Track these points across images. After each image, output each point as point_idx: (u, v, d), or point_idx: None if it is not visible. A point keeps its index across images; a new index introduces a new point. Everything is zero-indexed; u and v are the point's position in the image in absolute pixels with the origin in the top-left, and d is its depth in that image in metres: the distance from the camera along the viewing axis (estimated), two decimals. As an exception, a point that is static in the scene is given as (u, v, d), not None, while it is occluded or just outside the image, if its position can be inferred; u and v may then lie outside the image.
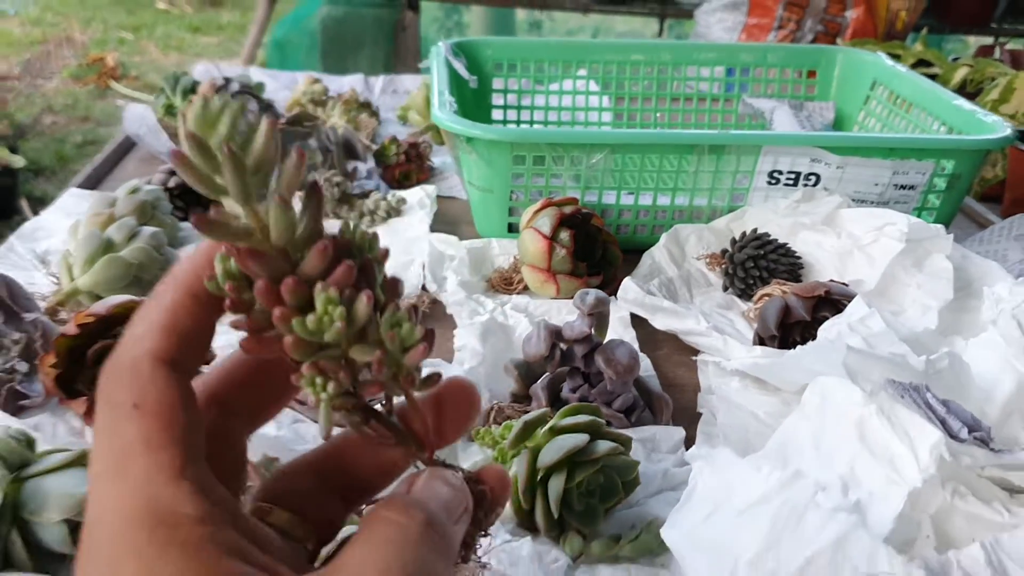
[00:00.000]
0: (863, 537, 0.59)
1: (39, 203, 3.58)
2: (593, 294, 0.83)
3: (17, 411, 0.80)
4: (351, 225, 0.33)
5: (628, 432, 0.77)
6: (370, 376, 0.32)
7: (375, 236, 0.33)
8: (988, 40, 2.94)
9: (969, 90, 1.71)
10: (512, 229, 1.14)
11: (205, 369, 0.35)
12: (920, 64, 1.83)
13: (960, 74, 1.76)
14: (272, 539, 0.33)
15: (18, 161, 3.43)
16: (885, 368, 0.74)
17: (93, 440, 0.31)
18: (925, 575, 0.59)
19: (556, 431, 0.71)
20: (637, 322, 0.99)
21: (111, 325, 0.79)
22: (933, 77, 1.76)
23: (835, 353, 0.76)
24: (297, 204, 0.32)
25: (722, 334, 0.93)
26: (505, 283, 1.06)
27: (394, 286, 0.33)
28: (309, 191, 0.32)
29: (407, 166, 1.34)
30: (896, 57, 1.81)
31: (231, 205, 0.31)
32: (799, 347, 0.81)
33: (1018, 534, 0.65)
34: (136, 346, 0.31)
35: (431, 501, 0.33)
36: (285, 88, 1.68)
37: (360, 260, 0.32)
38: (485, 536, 0.37)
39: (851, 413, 0.72)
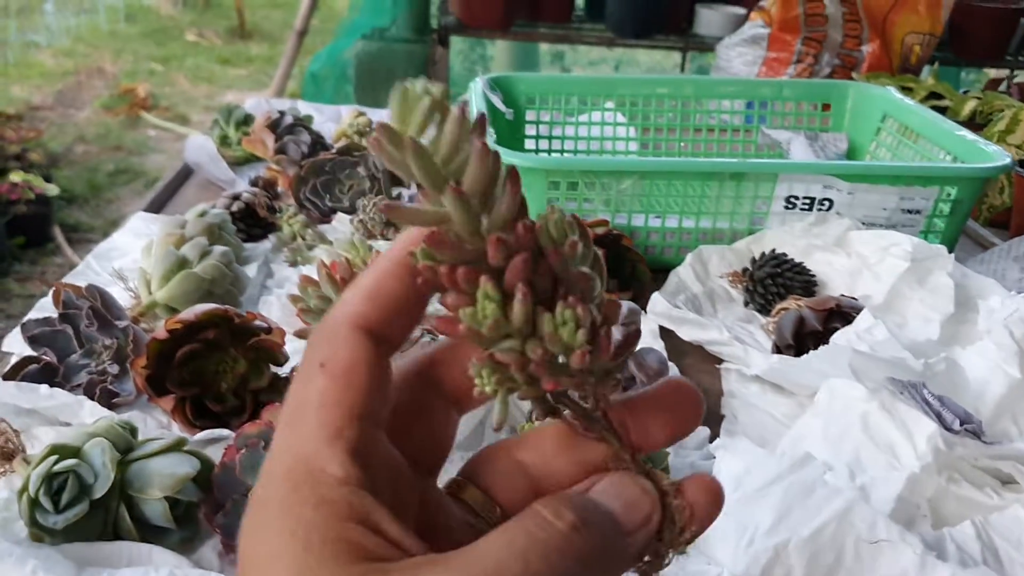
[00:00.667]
0: (865, 509, 0.68)
1: (72, 230, 3.69)
2: (626, 306, 0.93)
3: (111, 408, 0.90)
4: (553, 211, 0.32)
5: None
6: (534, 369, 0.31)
7: (575, 226, 0.32)
8: (1004, 72, 3.01)
9: (979, 121, 1.79)
10: (548, 250, 1.23)
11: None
12: (932, 96, 1.91)
13: (969, 106, 1.85)
14: (454, 516, 0.34)
15: (52, 189, 3.52)
16: (886, 369, 0.83)
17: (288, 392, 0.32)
18: (920, 544, 0.68)
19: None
20: (665, 334, 1.08)
21: (197, 331, 0.89)
22: (944, 109, 1.85)
23: (842, 357, 0.85)
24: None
25: (743, 344, 1.02)
26: (542, 299, 1.15)
27: (583, 281, 0.31)
28: (507, 175, 0.31)
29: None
30: (908, 90, 1.90)
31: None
32: (810, 352, 0.90)
33: (1006, 513, 0.74)
34: (340, 309, 0.32)
35: (598, 506, 0.32)
36: (330, 120, 1.78)
37: (546, 249, 0.31)
38: (678, 553, 0.34)
39: (856, 408, 0.82)
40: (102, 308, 0.96)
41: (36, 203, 3.38)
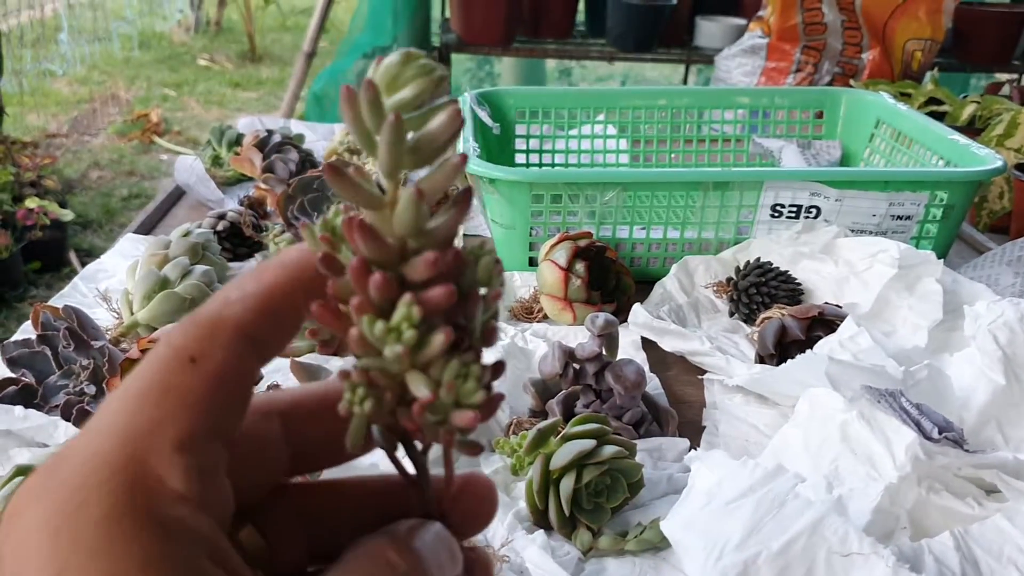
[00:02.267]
0: (837, 521, 0.67)
1: (87, 255, 3.71)
2: (603, 316, 0.92)
3: (86, 429, 0.89)
4: (484, 248, 0.30)
5: (636, 443, 0.85)
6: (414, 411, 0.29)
7: (500, 270, 0.30)
8: (1013, 76, 2.99)
9: (978, 125, 1.78)
10: (533, 263, 1.23)
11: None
12: (931, 102, 1.90)
13: (968, 111, 1.84)
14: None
15: (67, 215, 3.55)
16: (865, 377, 0.82)
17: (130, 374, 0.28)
18: (894, 556, 0.66)
19: (567, 438, 0.79)
20: (648, 346, 1.07)
21: (169, 350, 0.89)
22: (944, 115, 1.84)
23: (821, 365, 0.83)
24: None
25: (725, 354, 1.00)
26: (526, 312, 1.14)
27: (489, 335, 0.30)
28: (458, 197, 0.29)
29: (435, 207, 1.43)
30: (907, 96, 1.89)
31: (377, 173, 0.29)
32: (789, 361, 0.88)
33: (987, 524, 0.72)
34: (225, 308, 0.29)
35: (431, 558, 0.30)
36: (323, 139, 1.78)
37: (467, 288, 0.29)
38: None
39: (835, 418, 0.80)
40: (78, 329, 0.96)
41: (51, 228, 3.40)
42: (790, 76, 2.31)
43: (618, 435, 0.82)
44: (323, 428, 0.31)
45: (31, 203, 3.44)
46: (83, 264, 3.60)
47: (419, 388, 0.28)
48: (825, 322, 0.98)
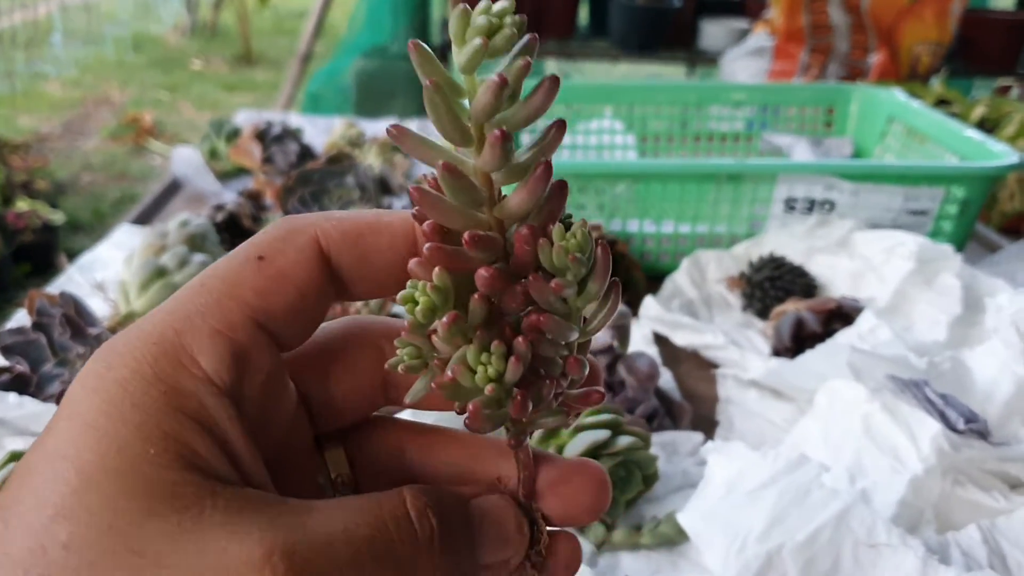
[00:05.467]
0: (863, 512, 0.64)
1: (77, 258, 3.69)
2: (615, 307, 0.89)
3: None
4: (575, 238, 0.28)
5: (651, 435, 0.82)
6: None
7: (584, 261, 0.28)
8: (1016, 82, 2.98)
9: (988, 126, 1.76)
10: (541, 256, 1.20)
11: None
12: (940, 103, 1.88)
13: (978, 112, 1.82)
14: (306, 467, 0.31)
15: (58, 217, 3.52)
16: (887, 367, 0.79)
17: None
18: (923, 547, 0.63)
19: (580, 428, 0.77)
20: (660, 341, 1.04)
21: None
22: (953, 116, 1.82)
23: (841, 356, 0.81)
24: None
25: (739, 348, 0.98)
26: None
27: (553, 327, 0.28)
28: (533, 172, 0.28)
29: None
30: (916, 97, 1.87)
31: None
32: (808, 352, 0.86)
33: (1013, 517, 0.70)
34: (314, 222, 0.29)
35: (466, 525, 0.29)
36: (322, 133, 1.75)
37: (533, 277, 0.28)
38: None
39: (857, 409, 0.77)
40: (75, 316, 0.93)
41: (42, 231, 3.37)
42: (796, 78, 2.29)
43: (633, 426, 0.80)
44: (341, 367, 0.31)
45: (22, 205, 3.42)
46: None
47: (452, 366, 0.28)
48: (843, 315, 0.96)
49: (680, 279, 1.14)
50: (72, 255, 3.59)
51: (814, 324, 0.95)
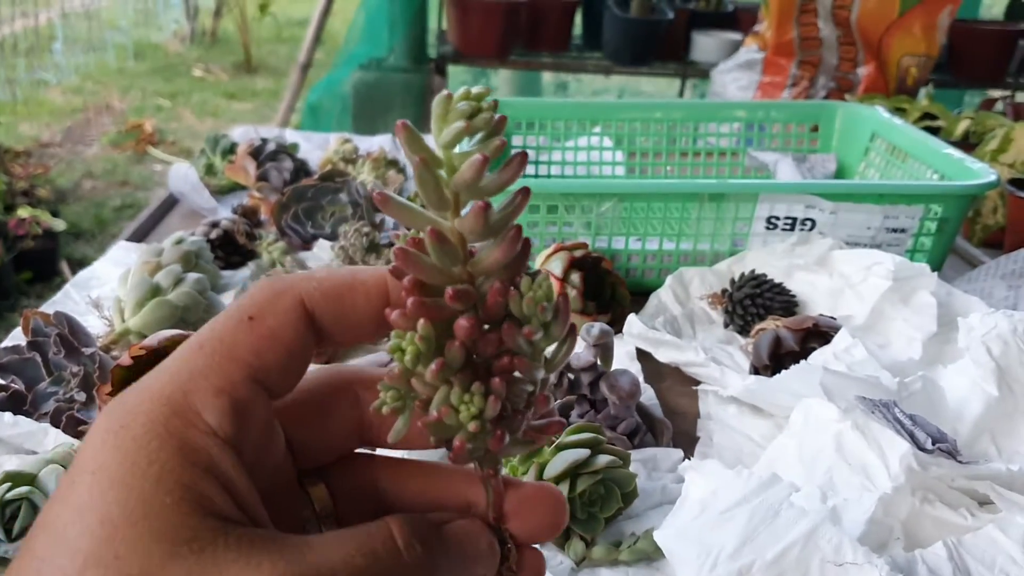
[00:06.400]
0: (831, 531, 0.66)
1: (79, 265, 3.70)
2: (598, 327, 0.91)
3: (77, 436, 0.89)
4: (539, 289, 0.32)
5: (630, 453, 0.84)
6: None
7: (549, 310, 0.32)
8: (1006, 93, 3.00)
9: (972, 141, 1.78)
10: (528, 273, 1.22)
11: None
12: (926, 117, 1.91)
13: (962, 126, 1.84)
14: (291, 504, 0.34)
15: (59, 224, 3.54)
16: (859, 388, 0.81)
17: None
18: (888, 567, 0.65)
19: (561, 447, 0.79)
20: (643, 357, 1.06)
21: (161, 357, 0.88)
22: (938, 130, 1.84)
23: (815, 375, 0.83)
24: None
25: (720, 365, 1.00)
26: (521, 322, 1.13)
27: (522, 368, 0.32)
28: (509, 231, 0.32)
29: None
30: (902, 111, 1.90)
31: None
32: (784, 371, 0.88)
33: (980, 534, 0.72)
34: (297, 283, 0.32)
35: (449, 548, 0.33)
36: (318, 148, 1.78)
37: (506, 324, 0.31)
38: None
39: (829, 428, 0.80)
40: (69, 335, 0.95)
41: (43, 238, 3.39)
42: (785, 90, 2.32)
43: (612, 445, 0.82)
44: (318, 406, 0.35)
45: (23, 212, 3.43)
46: (75, 274, 3.59)
47: (436, 406, 0.31)
48: (820, 334, 0.98)
49: (664, 296, 1.16)
50: (73, 262, 3.63)
51: (791, 342, 0.98)
